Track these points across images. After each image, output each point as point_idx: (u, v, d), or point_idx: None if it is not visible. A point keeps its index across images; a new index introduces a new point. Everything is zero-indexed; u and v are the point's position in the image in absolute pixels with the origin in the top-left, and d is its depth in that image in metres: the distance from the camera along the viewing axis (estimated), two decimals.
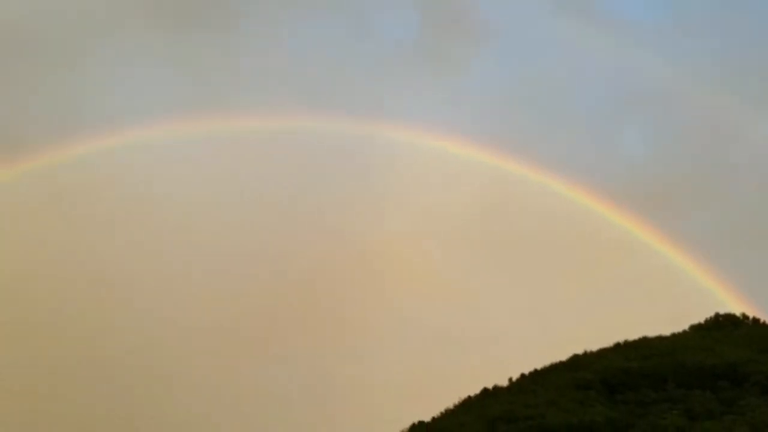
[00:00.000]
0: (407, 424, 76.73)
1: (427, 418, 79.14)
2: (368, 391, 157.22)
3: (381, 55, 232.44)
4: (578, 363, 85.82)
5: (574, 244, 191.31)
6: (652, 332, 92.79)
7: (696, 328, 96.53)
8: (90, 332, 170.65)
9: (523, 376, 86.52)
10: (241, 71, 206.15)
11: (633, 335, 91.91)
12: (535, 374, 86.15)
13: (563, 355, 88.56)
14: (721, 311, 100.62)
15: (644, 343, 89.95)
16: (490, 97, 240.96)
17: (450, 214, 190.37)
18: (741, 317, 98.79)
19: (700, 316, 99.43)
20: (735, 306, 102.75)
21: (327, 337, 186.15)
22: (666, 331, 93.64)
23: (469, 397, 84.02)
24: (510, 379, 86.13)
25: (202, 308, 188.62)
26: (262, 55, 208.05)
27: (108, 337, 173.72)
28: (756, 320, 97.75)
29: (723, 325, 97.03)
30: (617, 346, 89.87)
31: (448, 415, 79.55)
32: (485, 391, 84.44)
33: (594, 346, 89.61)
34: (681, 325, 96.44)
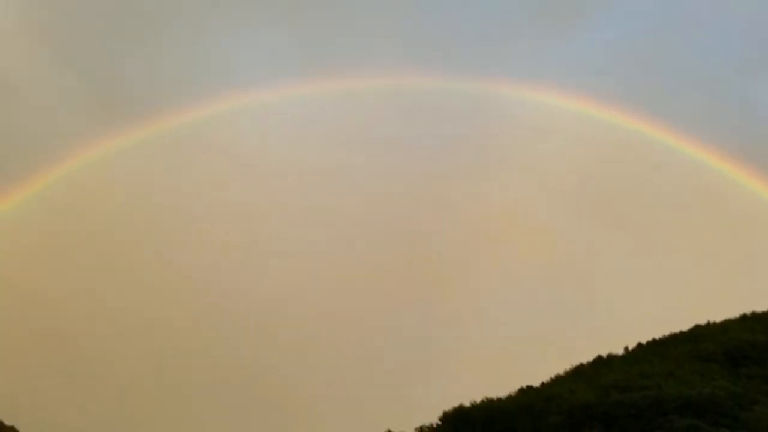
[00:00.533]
0: (515, 388, 76.36)
1: (536, 384, 78.39)
2: (476, 355, 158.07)
3: (497, 11, 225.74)
4: (700, 334, 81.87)
5: (701, 208, 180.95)
6: None
7: None
8: (209, 291, 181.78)
9: (639, 345, 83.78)
10: (355, 30, 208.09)
11: (761, 307, 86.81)
12: (653, 344, 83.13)
13: (684, 325, 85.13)
14: None
15: None
16: (614, 54, 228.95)
17: (568, 177, 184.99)
18: None
19: None
20: None
21: (434, 299, 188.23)
22: None
23: (582, 364, 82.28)
24: (626, 348, 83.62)
25: (315, 270, 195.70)
26: (375, 15, 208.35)
27: (225, 294, 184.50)
28: None
29: None
30: (743, 317, 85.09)
31: (559, 382, 78.35)
32: (599, 358, 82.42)
33: (717, 317, 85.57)
34: None
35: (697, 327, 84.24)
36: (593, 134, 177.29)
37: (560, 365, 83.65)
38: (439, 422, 70.75)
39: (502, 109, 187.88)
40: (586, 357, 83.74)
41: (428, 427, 70.27)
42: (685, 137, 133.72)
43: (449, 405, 72.58)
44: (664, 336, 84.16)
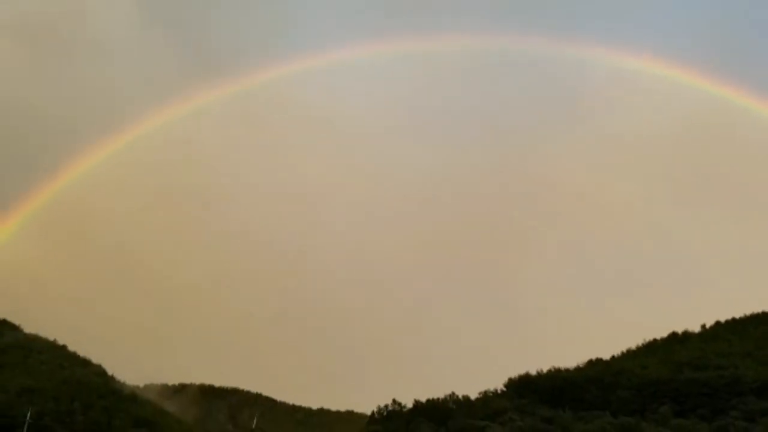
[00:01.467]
0: (584, 360, 75.23)
1: (606, 357, 76.96)
2: (546, 325, 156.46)
3: None
4: None
5: None
6: None
7: None
8: (284, 241, 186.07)
9: (717, 323, 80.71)
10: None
11: None
12: (733, 323, 79.94)
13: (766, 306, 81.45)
14: None
15: None
16: (709, 19, 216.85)
17: (653, 143, 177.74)
18: None
19: None
20: None
21: (506, 266, 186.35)
22: None
23: (655, 340, 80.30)
24: (702, 326, 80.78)
25: (389, 230, 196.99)
26: None
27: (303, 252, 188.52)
28: None
29: None
30: None
31: (630, 356, 76.69)
32: (673, 335, 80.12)
33: None
34: None
35: None
36: (675, 101, 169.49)
37: (632, 341, 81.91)
38: (504, 388, 70.49)
39: (581, 73, 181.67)
40: (660, 333, 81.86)
41: (492, 392, 70.14)
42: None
43: (515, 372, 72.21)
44: (745, 315, 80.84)
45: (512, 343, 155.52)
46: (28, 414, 40.90)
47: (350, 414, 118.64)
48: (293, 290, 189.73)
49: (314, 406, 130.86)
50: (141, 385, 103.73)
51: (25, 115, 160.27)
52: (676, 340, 78.51)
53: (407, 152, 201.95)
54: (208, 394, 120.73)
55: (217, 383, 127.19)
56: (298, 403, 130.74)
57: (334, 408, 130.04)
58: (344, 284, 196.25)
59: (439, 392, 71.21)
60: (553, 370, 71.73)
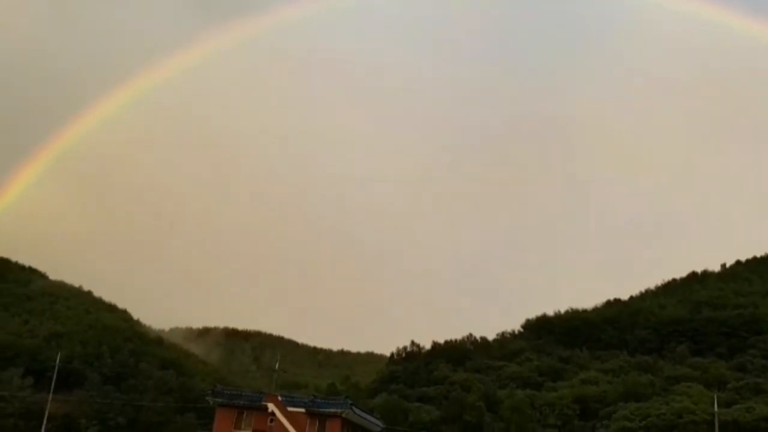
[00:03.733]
0: (602, 301, 75.48)
1: (624, 297, 77.10)
2: (566, 266, 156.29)
3: None
4: None
5: None
6: None
7: None
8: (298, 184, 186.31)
9: (738, 262, 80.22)
10: None
11: None
12: (753, 261, 79.43)
13: None
14: None
15: None
16: None
17: (674, 83, 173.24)
18: None
19: None
20: None
21: (528, 210, 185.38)
22: None
23: (674, 279, 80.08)
24: (723, 265, 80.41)
25: (403, 167, 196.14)
26: None
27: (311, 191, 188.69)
28: None
29: None
30: None
31: (649, 296, 76.77)
32: (693, 274, 79.79)
33: None
34: None
35: None
36: (702, 39, 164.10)
37: (652, 281, 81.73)
38: (522, 329, 71.19)
39: (606, 11, 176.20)
40: (680, 273, 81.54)
41: (510, 333, 70.90)
42: None
43: (532, 314, 72.71)
44: (766, 254, 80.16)
45: (529, 283, 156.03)
46: (57, 358, 42.27)
47: (370, 355, 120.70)
48: (314, 234, 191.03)
49: (335, 348, 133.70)
50: (166, 329, 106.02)
51: (43, 59, 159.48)
52: (695, 279, 78.30)
53: (423, 88, 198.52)
54: (232, 336, 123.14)
55: (240, 326, 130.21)
56: (319, 345, 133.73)
57: (354, 350, 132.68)
58: (361, 227, 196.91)
59: (457, 333, 72.16)
60: (570, 310, 72.32)
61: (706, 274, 78.93)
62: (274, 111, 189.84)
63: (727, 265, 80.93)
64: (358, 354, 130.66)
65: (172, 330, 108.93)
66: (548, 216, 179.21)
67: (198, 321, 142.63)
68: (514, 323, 73.05)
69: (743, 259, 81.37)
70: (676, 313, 67.45)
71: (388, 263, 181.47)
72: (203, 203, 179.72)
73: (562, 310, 72.16)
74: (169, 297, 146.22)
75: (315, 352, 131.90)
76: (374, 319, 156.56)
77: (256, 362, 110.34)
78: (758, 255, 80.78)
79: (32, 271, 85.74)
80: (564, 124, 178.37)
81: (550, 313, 71.72)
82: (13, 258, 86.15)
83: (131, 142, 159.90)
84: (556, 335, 67.30)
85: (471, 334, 69.23)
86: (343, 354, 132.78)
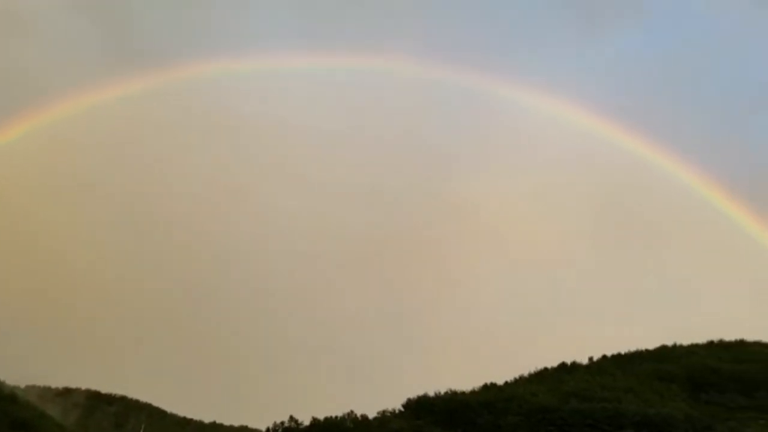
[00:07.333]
0: (480, 384, 77.37)
1: (500, 382, 79.36)
2: (446, 347, 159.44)
3: (524, 13, 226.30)
4: (665, 354, 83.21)
5: (688, 233, 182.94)
6: (751, 337, 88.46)
7: None
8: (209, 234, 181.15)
9: (604, 357, 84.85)
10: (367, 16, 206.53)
11: (730, 336, 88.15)
12: (618, 358, 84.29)
13: (651, 344, 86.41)
14: None
15: (740, 346, 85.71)
16: (625, 69, 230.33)
17: (564, 189, 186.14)
18: None
19: None
20: None
21: (411, 288, 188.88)
22: (767, 337, 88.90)
23: (546, 368, 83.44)
24: (590, 358, 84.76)
25: (297, 240, 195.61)
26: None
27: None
28: None
29: None
30: (710, 344, 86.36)
31: (522, 383, 79.39)
32: (563, 365, 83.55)
33: (686, 340, 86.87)
34: None
35: (664, 347, 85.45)
36: (594, 149, 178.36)
37: (527, 366, 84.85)
38: (402, 408, 71.32)
39: (510, 112, 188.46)
40: (552, 362, 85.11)
41: (391, 413, 70.79)
42: (671, 157, 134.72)
43: (414, 393, 73.20)
44: (630, 351, 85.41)
45: (415, 362, 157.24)
46: None
47: (244, 429, 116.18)
48: (191, 299, 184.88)
49: (206, 420, 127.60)
50: (22, 385, 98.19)
51: None
52: (565, 369, 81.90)
53: (328, 165, 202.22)
54: (94, 399, 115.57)
55: (104, 389, 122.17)
56: (189, 415, 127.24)
57: (227, 422, 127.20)
58: (244, 295, 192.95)
59: (337, 410, 71.16)
60: (450, 392, 73.30)
61: (575, 366, 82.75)
62: (172, 165, 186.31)
63: (594, 359, 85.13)
64: (231, 427, 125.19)
65: (28, 387, 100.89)
66: (431, 294, 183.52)
67: (58, 380, 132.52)
68: (395, 401, 72.95)
69: (609, 354, 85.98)
70: (546, 402, 69.84)
71: (271, 333, 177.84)
72: (78, 255, 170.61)
73: (443, 391, 73.14)
74: (27, 352, 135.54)
75: (184, 422, 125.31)
76: (251, 391, 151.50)
77: (118, 429, 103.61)
78: (623, 352, 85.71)
79: None
80: (469, 208, 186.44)
81: (431, 393, 72.50)
82: None
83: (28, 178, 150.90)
84: (436, 415, 67.90)
85: (352, 411, 68.63)
86: (214, 427, 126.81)
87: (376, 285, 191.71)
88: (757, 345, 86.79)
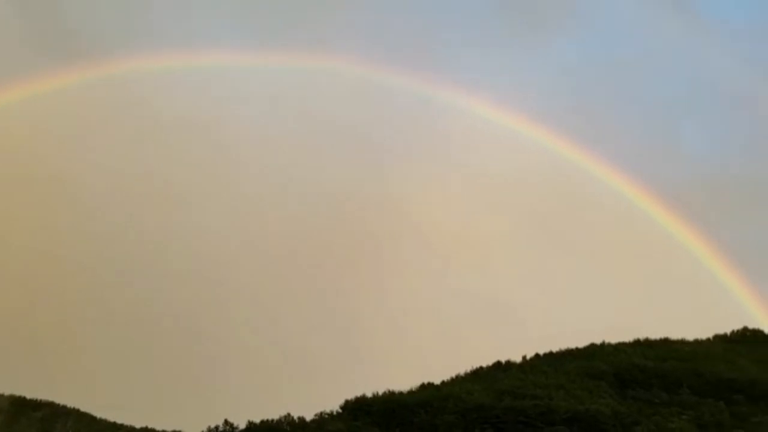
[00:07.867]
0: (417, 384, 78.19)
1: (437, 381, 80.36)
2: (385, 347, 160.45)
3: (464, 18, 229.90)
4: (594, 352, 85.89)
5: (618, 237, 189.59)
6: (675, 335, 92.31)
7: (721, 339, 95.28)
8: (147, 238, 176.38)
9: (537, 355, 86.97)
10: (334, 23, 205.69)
11: (655, 334, 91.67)
12: (550, 356, 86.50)
13: (581, 342, 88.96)
14: (751, 326, 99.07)
15: (665, 344, 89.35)
16: (564, 76, 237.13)
17: (497, 191, 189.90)
18: None
19: (727, 327, 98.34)
20: (766, 323, 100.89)
21: (350, 290, 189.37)
22: (690, 336, 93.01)
23: (482, 367, 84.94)
24: (524, 357, 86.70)
25: (229, 239, 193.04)
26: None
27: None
28: None
29: (749, 339, 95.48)
30: (636, 342, 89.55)
31: (459, 382, 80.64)
32: (498, 364, 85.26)
33: (614, 339, 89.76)
34: (706, 333, 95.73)
35: (592, 345, 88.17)
36: (524, 150, 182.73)
37: (462, 366, 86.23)
38: (340, 410, 71.27)
39: (446, 115, 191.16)
40: (488, 361, 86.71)
41: (329, 414, 70.65)
42: (604, 162, 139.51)
43: (352, 394, 73.25)
44: (561, 350, 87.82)
45: (352, 362, 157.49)
46: None
47: None
48: (123, 300, 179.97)
49: (138, 425, 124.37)
50: None
51: None
52: (500, 368, 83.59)
53: (265, 167, 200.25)
54: (19, 405, 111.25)
55: (29, 395, 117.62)
56: (119, 420, 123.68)
57: (159, 427, 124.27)
58: (178, 295, 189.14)
59: (275, 412, 70.48)
60: (387, 392, 73.71)
61: (509, 364, 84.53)
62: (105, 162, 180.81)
63: (528, 357, 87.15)
64: None
65: None
66: (370, 295, 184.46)
67: None
68: (333, 403, 72.78)
69: (541, 353, 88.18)
70: (482, 400, 71.15)
71: (206, 335, 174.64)
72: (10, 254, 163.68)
73: (380, 392, 73.49)
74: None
75: (115, 427, 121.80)
76: (186, 394, 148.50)
77: None
78: (554, 350, 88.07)
79: None
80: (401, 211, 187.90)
81: (369, 394, 72.72)
82: None
83: None
84: (373, 416, 68.16)
85: (289, 414, 68.09)
86: (146, 431, 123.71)
87: (314, 287, 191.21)
88: (680, 342, 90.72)
